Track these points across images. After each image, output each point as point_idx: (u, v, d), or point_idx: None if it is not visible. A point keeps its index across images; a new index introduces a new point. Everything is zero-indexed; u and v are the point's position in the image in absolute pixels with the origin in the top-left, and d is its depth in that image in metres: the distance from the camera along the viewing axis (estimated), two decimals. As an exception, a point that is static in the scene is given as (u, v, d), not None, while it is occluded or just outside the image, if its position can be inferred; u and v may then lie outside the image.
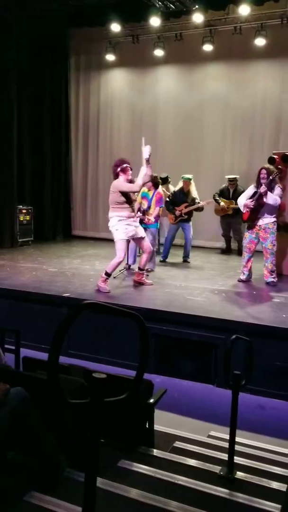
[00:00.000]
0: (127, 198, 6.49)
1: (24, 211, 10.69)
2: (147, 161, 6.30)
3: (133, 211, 6.62)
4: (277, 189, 6.72)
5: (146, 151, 6.28)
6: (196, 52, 10.47)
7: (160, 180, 8.27)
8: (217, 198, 9.70)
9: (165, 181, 9.67)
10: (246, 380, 3.32)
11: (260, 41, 9.76)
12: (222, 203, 9.55)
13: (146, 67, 11.25)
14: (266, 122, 10.35)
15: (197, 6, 9.40)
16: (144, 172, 6.33)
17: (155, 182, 7.86)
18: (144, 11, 9.85)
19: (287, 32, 9.65)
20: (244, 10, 9.29)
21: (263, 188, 6.61)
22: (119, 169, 6.57)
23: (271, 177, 6.67)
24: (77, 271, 7.77)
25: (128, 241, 6.86)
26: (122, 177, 6.55)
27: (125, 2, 9.82)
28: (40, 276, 7.35)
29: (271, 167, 6.87)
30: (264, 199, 6.63)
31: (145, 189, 7.71)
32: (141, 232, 6.72)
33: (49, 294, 6.29)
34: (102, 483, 2.49)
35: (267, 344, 5.05)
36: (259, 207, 6.72)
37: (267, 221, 6.79)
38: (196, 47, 10.39)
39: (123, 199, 6.45)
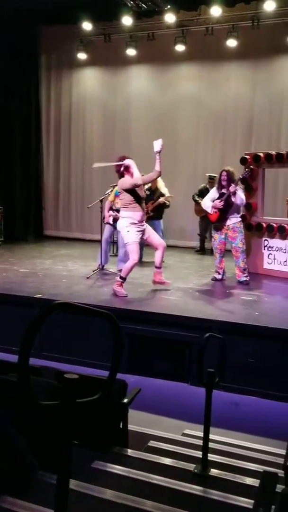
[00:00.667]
0: (135, 196, 6.20)
1: (-6, 211, 10.54)
2: (158, 154, 6.02)
3: (143, 210, 6.32)
4: (240, 190, 6.93)
5: (157, 144, 6.01)
6: (169, 52, 10.51)
7: None
8: (197, 199, 9.76)
9: None
10: (219, 378, 3.34)
11: (231, 42, 9.85)
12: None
13: (118, 67, 11.23)
14: (238, 123, 10.46)
15: (169, 6, 9.43)
16: (154, 170, 6.10)
17: None
18: (115, 10, 9.83)
19: (258, 34, 9.76)
20: (215, 11, 9.38)
21: (232, 188, 6.73)
22: (122, 168, 6.33)
23: (240, 176, 6.84)
24: (49, 272, 7.70)
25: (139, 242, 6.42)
26: (127, 176, 6.30)
27: (97, 1, 9.78)
28: (11, 277, 7.25)
29: (231, 169, 6.97)
30: (233, 199, 6.73)
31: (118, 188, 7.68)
32: (148, 231, 6.40)
33: (20, 295, 6.20)
34: (75, 485, 2.47)
35: (240, 341, 5.09)
36: (227, 207, 6.83)
37: (234, 220, 6.93)
38: (169, 47, 10.42)
39: (131, 198, 6.17)
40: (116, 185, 7.44)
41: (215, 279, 7.20)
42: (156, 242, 6.47)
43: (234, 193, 6.73)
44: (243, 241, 6.99)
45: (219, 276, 7.19)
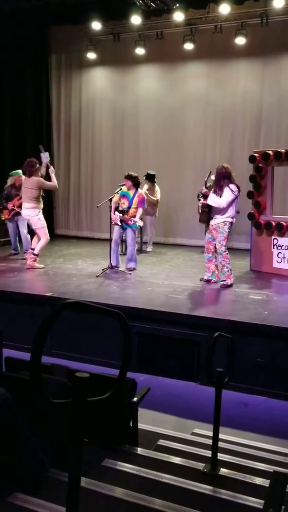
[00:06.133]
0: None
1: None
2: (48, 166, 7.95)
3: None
4: (226, 190, 6.63)
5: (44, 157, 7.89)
6: (177, 51, 10.49)
7: (139, 181, 8.02)
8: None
9: (151, 178, 9.67)
10: (228, 377, 3.34)
11: (240, 40, 9.81)
12: None
13: (127, 66, 11.23)
14: (247, 121, 10.42)
15: (177, 5, 9.42)
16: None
17: (136, 182, 7.79)
18: (124, 9, 9.83)
19: (267, 31, 9.72)
20: (224, 9, 9.34)
21: (204, 190, 6.84)
22: (33, 169, 7.82)
23: (211, 177, 6.86)
24: (59, 270, 7.73)
25: None
26: (36, 176, 7.84)
27: (106, 0, 9.79)
28: (22, 276, 7.29)
29: (225, 166, 6.83)
30: (208, 201, 6.75)
31: (124, 188, 7.70)
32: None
33: (31, 294, 6.24)
34: (86, 483, 2.48)
35: (249, 341, 5.09)
36: (208, 207, 6.82)
37: (217, 221, 6.78)
38: (177, 46, 10.40)
39: (41, 193, 7.95)
40: (123, 185, 7.53)
41: (202, 280, 7.06)
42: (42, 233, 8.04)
43: (206, 196, 6.74)
44: (222, 243, 6.75)
45: (205, 277, 7.04)
